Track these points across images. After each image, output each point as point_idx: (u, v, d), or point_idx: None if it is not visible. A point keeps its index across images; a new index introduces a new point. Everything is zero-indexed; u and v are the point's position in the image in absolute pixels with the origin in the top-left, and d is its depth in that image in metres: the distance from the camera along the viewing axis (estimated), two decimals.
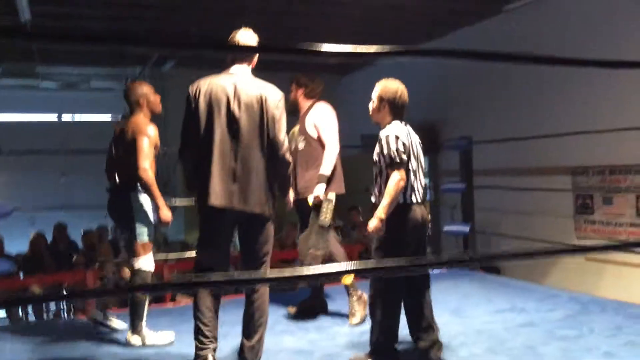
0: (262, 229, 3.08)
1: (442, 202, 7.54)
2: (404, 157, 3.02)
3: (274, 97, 3.10)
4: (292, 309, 4.21)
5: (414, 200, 3.09)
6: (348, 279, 3.91)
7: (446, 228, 5.97)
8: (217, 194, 2.95)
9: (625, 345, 3.27)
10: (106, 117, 10.26)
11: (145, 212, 3.78)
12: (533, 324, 3.74)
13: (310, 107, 4.08)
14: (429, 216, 3.48)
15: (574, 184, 5.76)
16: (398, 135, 3.04)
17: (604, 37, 5.31)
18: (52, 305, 7.25)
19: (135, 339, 3.64)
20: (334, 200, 3.83)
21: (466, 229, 5.70)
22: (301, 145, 4.01)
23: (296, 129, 4.12)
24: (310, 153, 3.96)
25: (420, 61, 8.36)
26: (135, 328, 3.65)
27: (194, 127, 3.04)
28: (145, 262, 3.74)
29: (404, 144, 3.03)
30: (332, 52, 1.29)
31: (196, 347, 3.02)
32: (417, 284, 3.16)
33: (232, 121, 2.99)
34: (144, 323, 3.68)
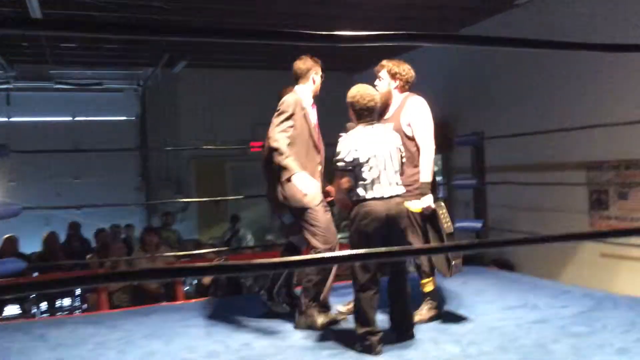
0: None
1: (455, 198, 7.49)
2: (341, 164, 3.34)
3: None
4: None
5: (372, 196, 3.29)
6: (429, 287, 3.79)
7: (458, 224, 5.88)
8: None
9: (638, 341, 3.20)
10: (120, 118, 10.32)
11: None
12: (545, 320, 3.68)
13: (403, 101, 3.76)
14: (401, 212, 3.36)
15: (588, 179, 5.69)
16: (344, 142, 3.36)
17: (615, 28, 5.23)
18: (67, 302, 7.32)
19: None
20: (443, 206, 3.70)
21: (478, 225, 5.63)
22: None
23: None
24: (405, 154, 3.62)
25: (432, 58, 8.31)
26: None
27: None
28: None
29: (348, 151, 3.32)
30: (357, 37, 1.23)
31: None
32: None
33: None
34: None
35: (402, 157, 3.45)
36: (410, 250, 3.02)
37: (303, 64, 4.00)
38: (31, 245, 8.08)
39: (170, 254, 6.99)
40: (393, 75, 3.78)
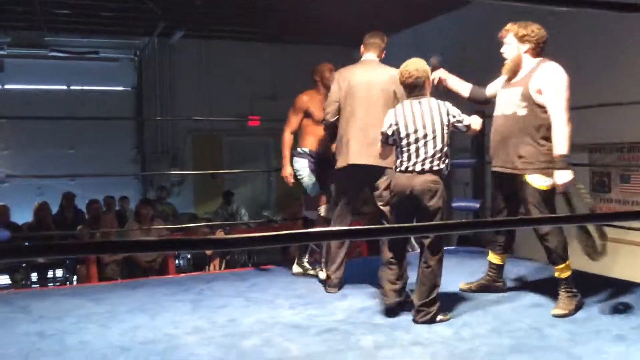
0: None
1: (454, 178, 7.36)
2: (382, 137, 3.50)
3: None
4: (466, 285, 3.91)
5: (401, 169, 3.39)
6: (565, 273, 3.45)
7: (455, 204, 5.76)
8: None
9: (636, 328, 3.11)
10: (116, 88, 10.14)
11: (301, 173, 4.46)
12: (542, 304, 3.58)
13: (536, 66, 3.42)
14: (429, 190, 3.29)
15: (590, 160, 5.56)
16: (388, 115, 3.48)
17: None
18: (59, 273, 7.26)
19: (296, 269, 4.50)
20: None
21: (476, 205, 5.50)
22: (521, 112, 3.39)
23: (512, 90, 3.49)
24: (530, 122, 3.38)
25: (440, 31, 8.13)
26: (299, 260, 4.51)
27: None
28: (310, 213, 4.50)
29: (390, 124, 3.43)
30: None
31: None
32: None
33: None
34: (305, 258, 4.52)
35: (447, 132, 3.34)
36: (411, 228, 2.88)
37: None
38: (24, 215, 7.98)
39: (163, 226, 6.90)
40: (521, 38, 3.43)
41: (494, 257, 3.89)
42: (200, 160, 10.02)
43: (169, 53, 9.87)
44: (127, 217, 8.08)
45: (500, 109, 3.53)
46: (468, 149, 5.74)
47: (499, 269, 3.89)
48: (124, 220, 7.82)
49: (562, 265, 3.43)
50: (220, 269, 6.76)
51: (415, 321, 3.32)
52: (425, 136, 3.33)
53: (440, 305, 3.36)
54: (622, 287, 3.90)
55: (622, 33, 5.26)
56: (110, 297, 3.99)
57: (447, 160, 3.38)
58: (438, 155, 3.33)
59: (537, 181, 3.38)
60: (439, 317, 3.33)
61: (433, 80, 3.55)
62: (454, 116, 3.36)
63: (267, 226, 8.50)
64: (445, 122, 3.34)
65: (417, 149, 3.34)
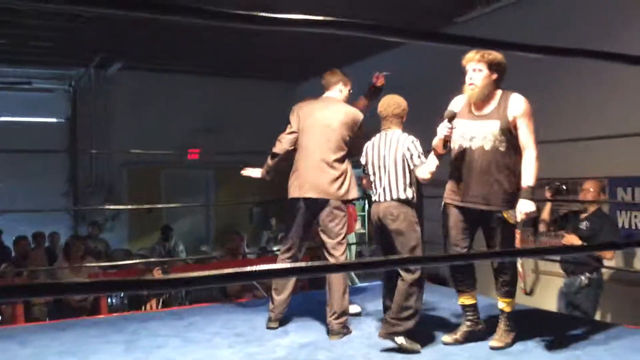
0: None
1: None
2: (361, 162, 3.73)
3: None
4: (448, 338, 3.54)
5: (373, 199, 3.62)
6: (509, 307, 3.45)
7: None
8: None
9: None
10: (49, 120, 9.82)
11: None
12: (480, 337, 3.62)
13: (504, 97, 3.33)
14: (390, 214, 3.46)
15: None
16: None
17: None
18: None
19: None
20: None
21: None
22: (502, 147, 3.30)
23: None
24: (511, 158, 3.31)
25: (370, 71, 8.30)
26: None
27: None
28: None
29: (363, 154, 3.69)
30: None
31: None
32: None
33: None
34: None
35: (408, 166, 3.48)
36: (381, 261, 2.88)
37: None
38: None
39: (95, 264, 6.64)
40: (492, 67, 3.30)
41: (466, 299, 3.59)
42: (137, 195, 9.76)
43: (105, 85, 9.67)
44: (57, 254, 7.74)
45: (476, 142, 3.35)
46: None
47: (474, 308, 3.61)
48: (54, 257, 7.49)
49: (510, 300, 3.47)
50: (157, 307, 6.54)
51: (379, 334, 3.43)
52: (386, 167, 3.52)
53: (410, 329, 3.36)
54: (558, 319, 4.01)
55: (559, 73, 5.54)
56: (38, 339, 3.77)
57: (410, 191, 3.49)
58: (398, 185, 3.47)
59: (510, 215, 3.33)
60: (400, 340, 3.32)
61: (450, 129, 3.33)
62: (408, 151, 3.48)
63: (205, 263, 8.33)
64: (401, 156, 3.49)
65: (381, 179, 3.54)
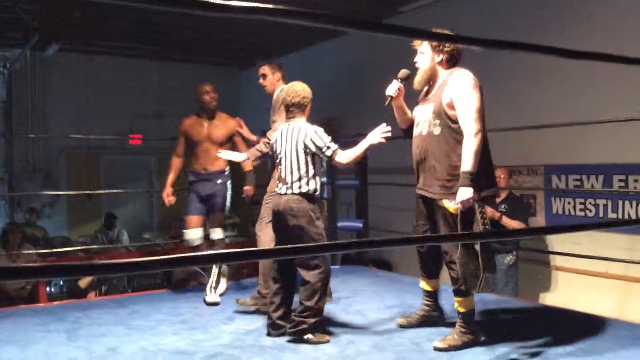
0: None
1: (338, 199, 7.55)
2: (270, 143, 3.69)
3: None
4: (402, 320, 3.60)
5: (274, 189, 3.61)
6: (463, 307, 3.21)
7: (340, 224, 5.96)
8: None
9: (506, 339, 3.33)
10: None
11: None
12: (434, 323, 3.69)
13: (447, 77, 3.20)
14: (290, 209, 3.38)
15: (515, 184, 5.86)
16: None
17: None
18: None
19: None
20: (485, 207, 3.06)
21: (359, 224, 5.70)
22: (436, 131, 3.17)
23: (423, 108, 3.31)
24: (446, 141, 3.14)
25: (324, 56, 8.35)
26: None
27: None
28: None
29: (273, 140, 3.61)
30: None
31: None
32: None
33: None
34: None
35: (312, 157, 3.43)
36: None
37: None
38: None
39: (33, 251, 6.44)
40: (435, 48, 3.23)
41: (425, 285, 3.59)
42: (76, 180, 9.49)
43: (43, 66, 9.31)
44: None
45: (418, 128, 3.31)
46: (352, 170, 5.92)
47: (433, 296, 3.60)
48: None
49: (461, 299, 3.20)
50: (96, 296, 6.42)
51: (286, 331, 3.39)
52: (287, 159, 3.45)
53: (316, 325, 3.34)
54: (495, 301, 4.16)
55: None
56: None
57: (313, 183, 3.41)
58: (298, 177, 3.40)
59: (448, 203, 3.14)
60: (307, 336, 3.32)
61: (399, 90, 3.33)
62: (312, 141, 3.38)
63: (149, 249, 8.20)
64: (302, 147, 3.40)
65: (282, 171, 3.48)
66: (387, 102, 3.38)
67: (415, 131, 3.35)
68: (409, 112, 3.48)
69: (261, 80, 4.24)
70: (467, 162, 3.00)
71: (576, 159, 5.35)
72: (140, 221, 10.36)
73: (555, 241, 5.33)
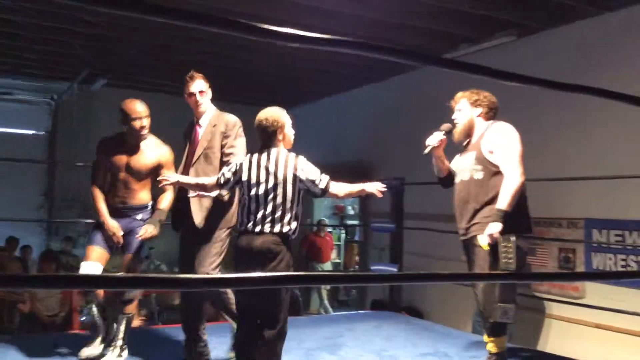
0: None
1: (371, 243, 7.50)
2: (227, 176, 3.18)
3: None
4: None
5: (241, 229, 3.05)
6: (495, 348, 3.21)
7: (373, 267, 5.90)
8: None
9: None
10: (28, 131, 9.69)
11: None
12: None
13: (487, 128, 3.40)
14: (270, 251, 2.94)
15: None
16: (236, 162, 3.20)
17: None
18: None
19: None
20: (514, 242, 3.03)
21: (393, 269, 5.64)
22: (478, 175, 3.29)
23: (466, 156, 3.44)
24: (487, 184, 3.24)
25: (360, 100, 8.44)
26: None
27: None
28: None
29: (235, 169, 3.15)
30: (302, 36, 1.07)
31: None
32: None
33: None
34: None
35: (299, 193, 3.03)
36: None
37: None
38: None
39: None
40: (474, 103, 3.43)
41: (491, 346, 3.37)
42: None
43: (89, 100, 9.60)
44: (29, 267, 7.59)
45: (459, 176, 3.43)
46: (387, 214, 5.90)
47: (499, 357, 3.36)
48: (26, 270, 7.34)
49: (493, 339, 3.21)
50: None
51: None
52: (266, 192, 2.98)
53: None
54: (526, 355, 4.04)
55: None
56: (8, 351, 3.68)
57: (294, 223, 3.00)
58: (279, 215, 2.95)
59: (481, 240, 3.15)
60: None
61: (440, 141, 3.44)
62: (303, 172, 3.00)
63: None
64: (291, 178, 2.98)
65: (257, 207, 2.98)
66: (426, 151, 3.49)
67: (457, 179, 3.46)
68: (446, 162, 3.60)
69: None
70: (504, 201, 3.09)
71: (618, 214, 5.24)
72: (175, 254, 10.40)
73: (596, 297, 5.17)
